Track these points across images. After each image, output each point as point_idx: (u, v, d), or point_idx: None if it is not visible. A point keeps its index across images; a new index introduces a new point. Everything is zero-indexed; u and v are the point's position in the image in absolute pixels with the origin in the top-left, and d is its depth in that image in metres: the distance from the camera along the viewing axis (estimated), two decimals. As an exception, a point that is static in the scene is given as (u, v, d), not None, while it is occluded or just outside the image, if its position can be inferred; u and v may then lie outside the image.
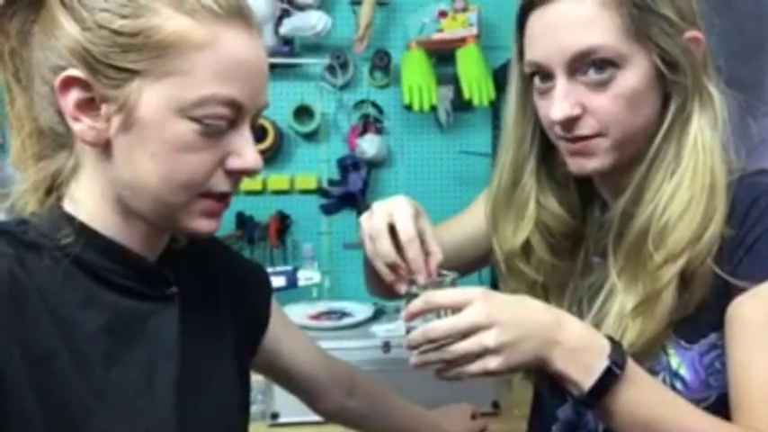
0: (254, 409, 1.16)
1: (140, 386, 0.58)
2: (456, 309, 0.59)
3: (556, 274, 0.76)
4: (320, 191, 1.79)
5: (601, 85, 0.64)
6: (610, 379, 0.59)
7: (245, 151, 0.57)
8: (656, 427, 0.60)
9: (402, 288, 0.66)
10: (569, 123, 0.66)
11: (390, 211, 0.67)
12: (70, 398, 0.54)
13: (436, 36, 1.70)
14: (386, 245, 0.66)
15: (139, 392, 0.58)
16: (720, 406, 0.64)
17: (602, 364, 0.59)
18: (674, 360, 0.67)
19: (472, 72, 1.66)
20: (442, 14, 1.70)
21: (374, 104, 1.80)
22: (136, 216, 0.58)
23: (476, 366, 0.59)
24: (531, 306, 0.63)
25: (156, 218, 0.58)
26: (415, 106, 1.68)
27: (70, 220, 0.57)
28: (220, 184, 0.57)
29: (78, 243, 0.56)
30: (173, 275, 0.63)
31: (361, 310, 1.35)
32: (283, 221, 1.77)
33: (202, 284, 0.70)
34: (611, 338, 0.61)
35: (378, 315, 1.34)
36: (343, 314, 1.35)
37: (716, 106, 0.66)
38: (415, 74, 1.69)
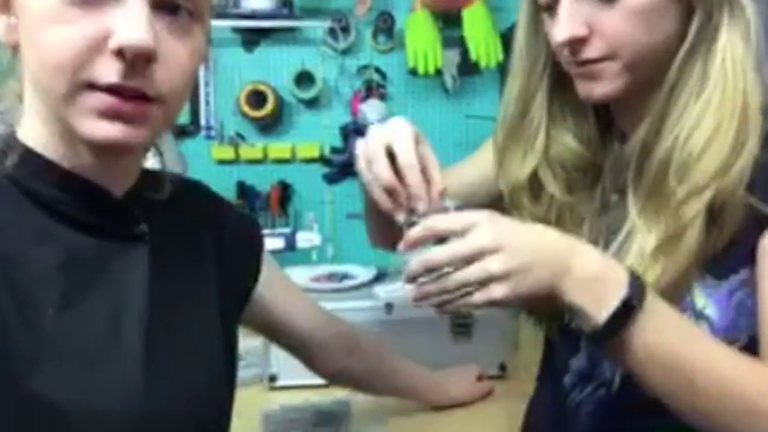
0: (252, 371, 1.13)
1: (103, 330, 0.53)
2: (459, 236, 0.54)
3: (569, 213, 0.70)
4: (322, 159, 1.73)
5: (609, 1, 0.58)
6: (626, 312, 0.53)
7: (124, 25, 0.47)
8: (677, 368, 0.55)
9: (400, 217, 0.61)
10: (576, 45, 0.60)
11: (389, 134, 0.61)
12: (12, 348, 0.48)
13: (442, -4, 1.64)
14: (383, 168, 0.61)
15: (102, 337, 0.53)
16: (750, 352, 0.58)
17: (618, 295, 0.53)
18: (700, 299, 0.61)
19: (479, 33, 1.60)
20: (448, -27, 1.64)
21: (377, 70, 1.74)
22: (76, 138, 0.51)
23: (479, 296, 0.53)
24: (542, 231, 0.57)
25: (58, 121, 0.51)
26: (420, 70, 1.62)
27: (19, 146, 0.53)
28: (105, 70, 0.48)
29: (24, 170, 0.52)
30: (144, 215, 0.58)
31: (363, 273, 1.31)
32: (285, 191, 1.73)
33: (183, 230, 0.65)
34: (630, 270, 0.56)
35: (380, 278, 1.30)
36: (345, 276, 1.31)
37: (748, 17, 0.59)
38: (420, 37, 1.62)
